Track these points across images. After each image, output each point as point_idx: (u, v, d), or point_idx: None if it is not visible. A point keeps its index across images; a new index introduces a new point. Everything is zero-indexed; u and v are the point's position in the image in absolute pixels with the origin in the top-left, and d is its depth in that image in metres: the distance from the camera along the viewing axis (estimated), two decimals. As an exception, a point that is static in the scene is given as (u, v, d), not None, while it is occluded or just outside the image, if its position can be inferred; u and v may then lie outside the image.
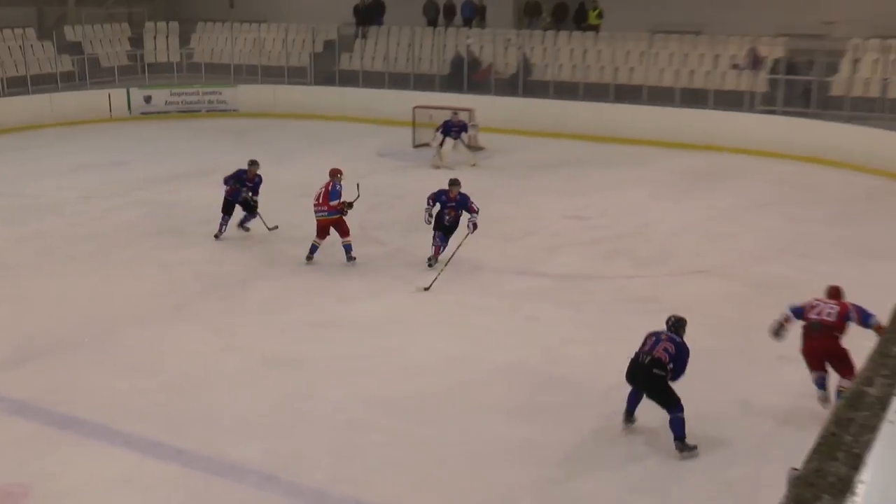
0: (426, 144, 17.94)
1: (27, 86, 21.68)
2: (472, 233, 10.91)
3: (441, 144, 16.91)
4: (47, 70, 22.45)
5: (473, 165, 16.69)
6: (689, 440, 6.78)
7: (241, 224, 12.70)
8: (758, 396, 7.75)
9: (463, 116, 17.51)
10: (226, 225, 12.42)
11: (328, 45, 23.70)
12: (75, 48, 23.66)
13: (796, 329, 7.58)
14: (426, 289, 10.40)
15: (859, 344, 7.12)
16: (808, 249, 11.58)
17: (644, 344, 7.00)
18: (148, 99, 22.44)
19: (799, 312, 7.41)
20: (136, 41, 25.09)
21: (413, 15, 23.56)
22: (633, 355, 6.98)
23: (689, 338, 7.28)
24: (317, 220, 11.36)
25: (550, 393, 7.85)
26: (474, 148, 17.68)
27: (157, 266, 11.35)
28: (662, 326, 7.22)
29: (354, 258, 11.34)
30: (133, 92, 22.41)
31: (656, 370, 6.77)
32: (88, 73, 22.93)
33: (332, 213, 11.17)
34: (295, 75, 23.33)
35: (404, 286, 10.66)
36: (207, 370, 8.33)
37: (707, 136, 18.29)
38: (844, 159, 16.50)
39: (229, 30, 24.61)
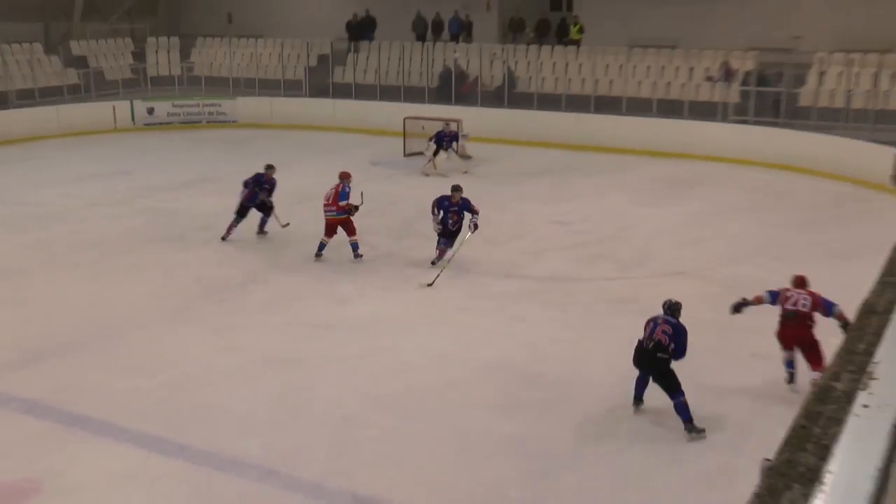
0: (419, 153, 17.99)
1: (35, 98, 21.58)
2: (473, 232, 11.09)
3: (435, 154, 16.99)
4: (54, 83, 22.36)
5: (465, 172, 16.77)
6: (671, 433, 6.81)
7: (260, 229, 12.72)
8: (732, 392, 7.78)
9: (453, 127, 17.57)
10: (235, 228, 12.37)
11: (322, 59, 23.68)
12: (81, 62, 23.58)
13: (764, 321, 7.64)
14: (429, 285, 10.51)
15: (826, 341, 7.19)
16: (779, 252, 11.63)
17: (645, 330, 7.15)
18: (151, 111, 22.35)
19: (775, 298, 7.65)
20: (139, 55, 25.01)
21: (403, 30, 23.57)
22: (637, 342, 7.14)
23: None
24: (326, 220, 11.49)
25: (536, 389, 7.87)
26: (464, 157, 17.73)
27: (159, 270, 11.30)
28: (642, 326, 7.27)
29: (361, 255, 11.51)
30: (136, 104, 22.32)
31: (660, 354, 6.93)
32: (94, 86, 22.85)
33: (340, 213, 11.34)
34: (291, 88, 23.29)
35: (397, 288, 10.66)
36: (208, 369, 8.30)
37: (683, 145, 18.37)
38: (812, 167, 16.59)
39: (228, 44, 24.54)
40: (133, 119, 22.12)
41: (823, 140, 16.87)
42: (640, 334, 7.25)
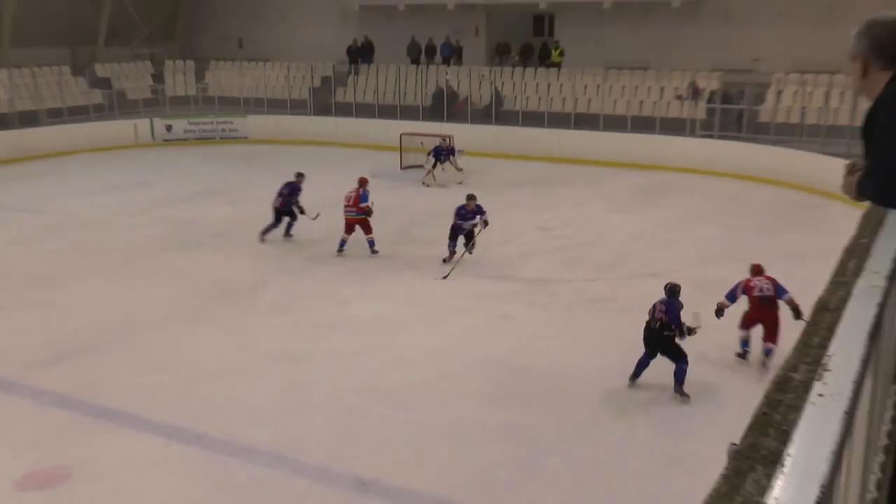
0: (415, 166, 18.05)
1: (63, 116, 21.49)
2: (483, 228, 11.39)
3: (434, 166, 17.09)
4: (81, 102, 22.29)
5: (460, 183, 16.88)
6: (647, 420, 6.82)
7: (287, 232, 12.77)
8: (701, 382, 7.79)
9: (449, 142, 17.66)
10: (272, 230, 12.57)
11: (325, 80, 23.65)
12: (105, 83, 23.51)
13: (728, 320, 7.67)
14: (444, 278, 10.81)
15: (789, 336, 7.22)
16: (741, 254, 11.64)
17: (649, 314, 7.50)
18: (169, 128, 22.28)
19: (733, 297, 8.00)
20: (158, 77, 24.94)
21: (398, 54, 23.58)
22: (645, 324, 7.50)
23: (639, 333, 7.33)
24: (346, 219, 11.79)
25: (522, 381, 7.86)
26: (456, 169, 17.78)
27: (177, 274, 11.25)
28: (621, 323, 7.33)
29: (377, 251, 11.78)
30: (156, 121, 22.25)
31: (665, 332, 7.33)
32: (117, 105, 22.76)
33: (359, 213, 11.70)
34: (296, 107, 23.25)
35: (395, 291, 10.65)
36: (222, 365, 8.27)
37: (655, 158, 18.41)
38: (771, 176, 16.66)
39: (239, 67, 24.50)
40: (153, 135, 22.04)
41: (781, 152, 16.96)
42: (618, 331, 7.29)
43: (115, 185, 16.95)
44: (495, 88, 21.30)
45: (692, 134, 18.74)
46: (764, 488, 1.01)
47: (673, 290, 7.57)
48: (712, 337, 8.36)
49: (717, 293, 8.54)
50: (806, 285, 8.08)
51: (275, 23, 25.99)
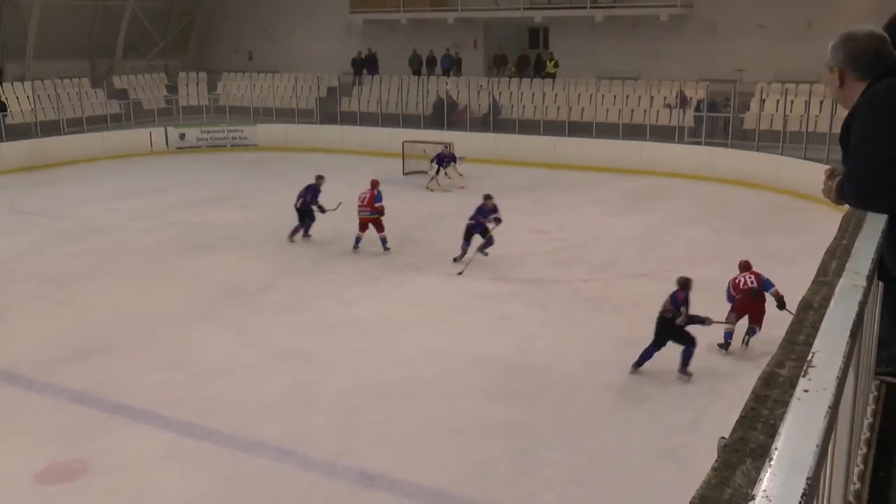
0: (417, 172, 18.06)
1: (83, 126, 21.51)
2: (497, 225, 11.43)
3: (437, 172, 17.14)
4: (99, 112, 22.31)
5: (462, 188, 16.92)
6: (641, 415, 6.80)
7: (305, 232, 12.84)
8: (691, 379, 7.78)
9: (451, 149, 17.69)
10: (298, 231, 12.70)
11: (331, 90, 23.65)
12: (122, 94, 23.54)
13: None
14: (459, 273, 10.92)
15: (776, 332, 7.20)
16: (728, 256, 11.60)
17: (662, 306, 7.77)
18: (182, 136, 22.29)
19: (731, 298, 8.27)
20: (172, 88, 24.98)
21: (401, 66, 23.60)
22: (658, 315, 7.72)
23: (633, 331, 7.32)
24: (360, 218, 11.99)
25: (521, 378, 7.84)
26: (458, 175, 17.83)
27: (190, 276, 11.24)
28: (615, 321, 7.34)
29: (389, 248, 11.96)
30: (170, 130, 22.26)
31: (676, 320, 7.62)
32: (133, 115, 22.78)
33: (373, 213, 11.89)
34: (303, 116, 23.26)
35: (397, 292, 10.63)
36: (232, 363, 8.25)
37: (645, 164, 18.39)
38: (756, 181, 16.64)
39: (249, 79, 24.51)
40: (167, 143, 22.05)
41: (765, 158, 16.95)
42: (612, 329, 7.30)
43: (131, 191, 16.95)
44: (493, 98, 21.30)
45: (681, 141, 18.74)
46: (753, 481, 1.00)
47: (683, 284, 7.82)
48: (701, 336, 8.34)
49: (706, 292, 8.54)
50: (790, 285, 8.09)
51: (283, 37, 26.01)
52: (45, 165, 19.43)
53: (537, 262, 11.81)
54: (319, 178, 13.00)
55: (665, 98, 19.70)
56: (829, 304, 1.33)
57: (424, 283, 10.86)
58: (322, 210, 12.66)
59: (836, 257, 1.87)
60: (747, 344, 8.38)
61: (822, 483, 0.99)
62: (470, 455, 6.44)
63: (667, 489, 5.87)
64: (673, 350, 8.36)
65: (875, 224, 1.84)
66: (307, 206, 12.63)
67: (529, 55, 23.07)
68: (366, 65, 23.93)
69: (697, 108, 18.85)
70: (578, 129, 19.88)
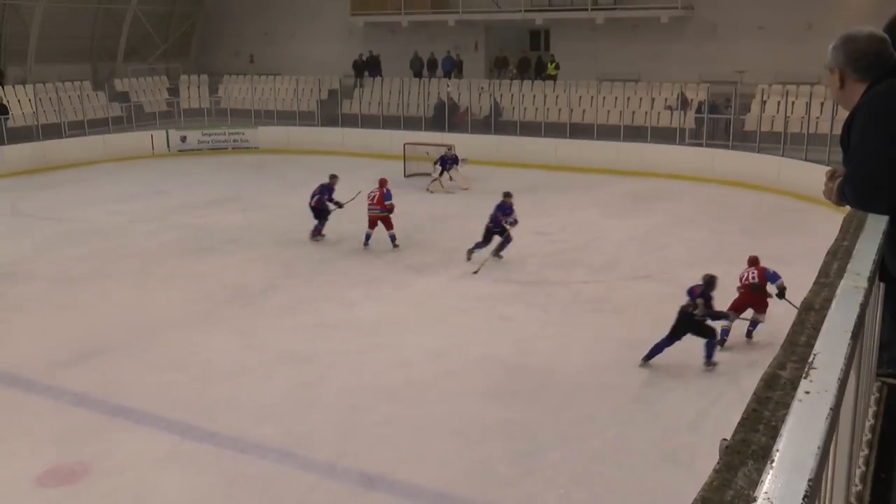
0: (418, 174, 18.07)
1: (84, 128, 21.53)
2: (513, 227, 11.58)
3: (441, 174, 17.18)
4: (100, 115, 22.32)
5: (466, 189, 16.99)
6: (640, 414, 6.80)
7: (319, 232, 12.94)
8: (692, 380, 7.78)
9: (454, 151, 17.70)
10: (321, 228, 12.85)
11: (332, 93, 23.67)
12: (123, 97, 23.57)
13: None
14: (475, 273, 11.02)
15: (779, 333, 7.18)
16: (729, 257, 11.61)
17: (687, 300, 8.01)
18: (183, 139, 22.31)
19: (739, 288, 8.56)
20: (173, 91, 25.01)
21: (402, 68, 23.63)
22: (680, 308, 7.95)
23: (633, 332, 7.31)
24: (370, 216, 12.27)
25: (521, 379, 7.83)
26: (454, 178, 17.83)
27: (191, 278, 11.25)
28: (615, 323, 7.33)
29: (398, 245, 12.24)
30: (171, 133, 22.28)
31: (696, 316, 7.85)
32: (134, 118, 22.81)
33: (383, 210, 12.18)
34: (305, 118, 23.27)
35: (398, 293, 10.63)
36: (233, 365, 8.25)
37: (646, 165, 18.39)
38: (756, 182, 16.64)
39: (250, 81, 24.53)
40: (168, 146, 22.07)
41: (766, 159, 16.95)
42: (612, 330, 7.29)
43: (132, 194, 16.96)
44: (494, 100, 21.31)
45: (682, 142, 18.73)
46: (755, 482, 1.00)
47: (703, 278, 8.09)
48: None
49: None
50: (791, 286, 8.09)
51: (284, 39, 26.05)
52: (47, 168, 19.46)
53: (538, 264, 11.80)
54: (333, 177, 13.19)
55: (666, 100, 19.69)
56: (831, 306, 1.33)
57: (425, 284, 10.86)
58: (340, 205, 12.81)
59: (838, 259, 1.87)
60: (750, 336, 8.59)
61: (823, 485, 0.99)
62: (471, 456, 6.43)
63: (668, 490, 5.86)
64: (674, 349, 8.35)
65: (876, 225, 1.84)
66: (322, 205, 12.78)
67: (530, 57, 23.08)
68: (367, 67, 23.95)
69: (698, 110, 18.85)
70: (579, 130, 19.88)
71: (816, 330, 1.31)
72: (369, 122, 22.42)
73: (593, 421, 7.01)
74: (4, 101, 20.66)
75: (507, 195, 11.78)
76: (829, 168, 2.22)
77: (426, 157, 18.09)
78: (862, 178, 1.97)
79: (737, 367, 8.00)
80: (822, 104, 17.20)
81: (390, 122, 21.99)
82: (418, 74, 23.52)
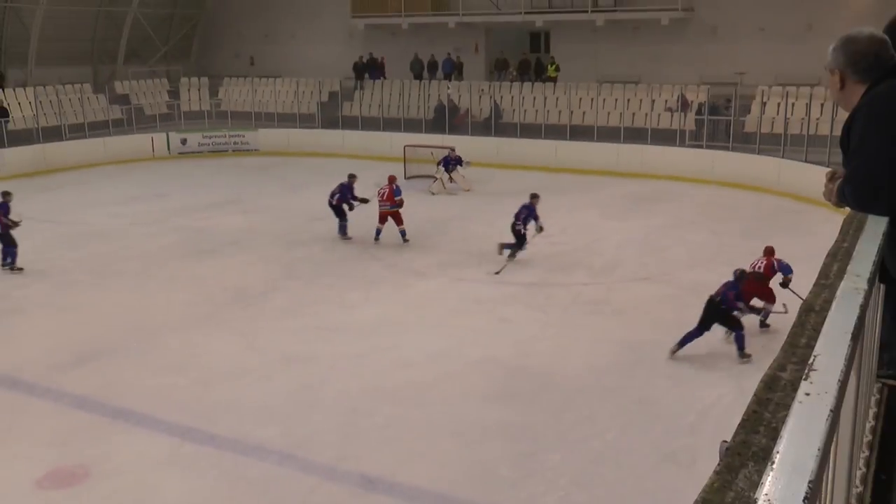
0: (422, 176, 18.06)
1: (84, 131, 21.54)
2: (539, 232, 11.66)
3: (444, 175, 17.20)
4: (101, 118, 22.31)
5: (468, 190, 17.03)
6: (640, 415, 6.79)
7: (343, 231, 13.08)
8: (692, 382, 7.77)
9: (457, 153, 17.73)
10: (345, 226, 13.01)
11: (332, 95, 23.69)
12: (124, 100, 23.57)
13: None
14: (496, 273, 11.09)
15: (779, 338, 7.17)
16: (729, 258, 11.58)
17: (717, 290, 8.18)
18: (184, 141, 22.32)
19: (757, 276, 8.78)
20: (174, 93, 25.02)
21: (402, 70, 23.65)
22: (708, 298, 8.13)
23: (633, 334, 7.31)
24: (380, 212, 12.58)
25: (522, 380, 7.83)
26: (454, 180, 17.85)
27: (192, 281, 11.25)
28: (615, 324, 7.34)
29: (408, 240, 12.58)
30: (171, 135, 22.29)
31: (723, 305, 8.06)
32: (135, 120, 22.81)
33: (392, 206, 12.53)
34: (305, 120, 23.29)
35: (398, 295, 10.63)
36: (234, 367, 8.25)
37: (646, 167, 18.40)
38: (756, 184, 16.64)
39: (250, 84, 24.55)
40: (169, 149, 22.09)
41: (766, 161, 16.96)
42: (612, 332, 7.29)
43: (133, 197, 16.96)
44: (494, 102, 21.32)
45: (682, 144, 18.73)
46: (755, 484, 1.00)
47: (741, 276, 8.25)
48: (704, 338, 8.34)
49: (705, 296, 8.52)
50: (792, 286, 8.08)
51: (284, 41, 26.08)
52: (47, 171, 19.46)
53: (538, 266, 11.79)
54: (352, 176, 13.38)
55: (666, 101, 19.70)
56: (831, 307, 1.32)
57: (426, 286, 10.86)
58: (365, 200, 12.98)
59: (838, 260, 1.87)
60: (764, 326, 8.78)
61: (824, 486, 0.99)
62: (471, 457, 6.42)
63: (668, 492, 5.85)
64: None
65: (876, 226, 1.83)
66: (344, 201, 12.93)
67: (530, 59, 23.11)
68: (367, 69, 23.97)
69: (698, 112, 18.86)
70: (579, 132, 19.88)
71: (816, 331, 1.31)
72: (369, 124, 22.44)
73: (594, 422, 7.01)
74: (5, 104, 20.68)
75: (535, 196, 11.87)
76: (829, 169, 2.22)
77: (430, 158, 18.09)
78: (862, 179, 1.97)
79: (737, 368, 7.99)
80: (822, 105, 17.21)
81: (391, 125, 22.00)
82: (419, 76, 23.54)
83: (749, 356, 8.02)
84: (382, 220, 12.69)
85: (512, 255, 11.58)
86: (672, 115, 19.30)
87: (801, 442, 0.88)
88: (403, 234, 12.68)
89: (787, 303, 8.27)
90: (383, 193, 12.70)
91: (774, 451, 0.87)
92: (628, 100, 19.97)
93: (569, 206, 15.91)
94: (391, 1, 23.46)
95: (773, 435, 1.06)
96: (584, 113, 20.38)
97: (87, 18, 23.94)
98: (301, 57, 25.58)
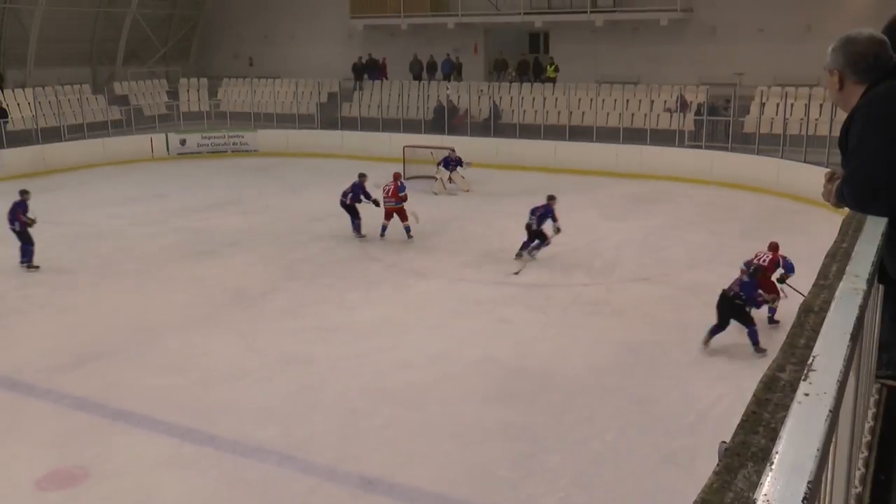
0: (423, 177, 18.07)
1: (84, 132, 21.52)
2: (557, 234, 11.73)
3: (450, 178, 17.22)
4: (100, 119, 22.30)
5: (467, 191, 17.05)
6: (640, 416, 6.79)
7: (358, 231, 13.22)
8: (692, 382, 7.77)
9: (457, 153, 17.74)
10: (359, 224, 13.16)
11: (331, 96, 23.69)
12: (123, 100, 23.56)
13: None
14: (515, 273, 11.16)
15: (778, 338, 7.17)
16: (728, 259, 11.61)
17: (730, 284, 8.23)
18: (183, 142, 22.31)
19: (749, 264, 8.73)
20: (173, 94, 25.01)
21: (401, 71, 23.65)
22: (721, 292, 8.19)
23: (633, 335, 7.31)
24: (385, 208, 12.81)
25: (521, 381, 7.83)
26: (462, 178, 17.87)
27: (192, 281, 11.24)
28: (615, 325, 7.34)
29: (412, 236, 12.76)
30: (171, 136, 22.29)
31: (736, 301, 8.12)
32: (134, 121, 22.80)
33: (398, 202, 12.75)
34: (304, 121, 23.28)
35: (398, 296, 10.62)
36: (233, 368, 8.25)
37: (645, 167, 18.41)
38: (756, 184, 16.65)
39: (249, 84, 24.56)
40: (168, 149, 22.08)
41: (765, 161, 16.96)
42: (612, 332, 7.29)
43: (132, 197, 16.96)
44: (493, 103, 21.33)
45: (681, 144, 18.73)
46: (754, 484, 1.00)
47: (755, 272, 8.35)
48: (701, 336, 8.34)
49: (705, 297, 8.54)
50: (790, 282, 8.08)
51: (283, 42, 26.08)
52: (47, 172, 19.44)
53: (537, 266, 11.79)
54: (363, 175, 13.52)
55: (665, 102, 19.70)
56: (830, 308, 1.33)
57: (425, 287, 10.86)
58: (377, 203, 13.10)
59: (837, 261, 1.87)
60: (773, 320, 8.81)
61: (823, 486, 0.99)
62: (471, 458, 6.42)
63: (668, 492, 5.85)
64: (674, 351, 8.35)
65: (875, 227, 1.84)
66: (357, 201, 13.05)
67: (530, 60, 23.11)
68: (366, 70, 23.98)
69: (697, 112, 18.86)
70: (579, 133, 19.89)
71: (815, 332, 1.31)
72: (369, 124, 22.43)
73: (593, 423, 7.01)
74: (4, 105, 20.67)
75: (552, 198, 11.93)
76: (828, 170, 2.23)
77: (429, 158, 18.09)
78: (860, 180, 1.97)
79: (736, 369, 7.99)
80: (821, 106, 17.22)
81: (390, 125, 21.99)
82: (418, 77, 23.54)
83: (764, 350, 8.05)
84: (388, 216, 12.94)
85: (532, 253, 11.64)
86: (671, 116, 19.30)
87: (800, 442, 0.88)
88: (408, 230, 12.92)
89: (786, 296, 8.38)
90: (388, 190, 12.95)
91: (773, 451, 0.87)
92: (627, 100, 19.97)
93: (568, 206, 15.83)
94: (390, 1, 23.46)
95: (773, 435, 1.07)
96: (583, 113, 20.38)
97: (86, 19, 23.94)
98: (300, 58, 25.58)
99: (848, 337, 1.17)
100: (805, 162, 15.84)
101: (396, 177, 13.29)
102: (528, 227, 11.74)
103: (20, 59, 22.68)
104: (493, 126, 20.96)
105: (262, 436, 6.76)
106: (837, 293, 1.38)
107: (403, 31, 23.84)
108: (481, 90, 22.08)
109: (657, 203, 15.91)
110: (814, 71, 16.77)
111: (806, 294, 1.73)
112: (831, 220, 3.87)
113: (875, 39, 2.09)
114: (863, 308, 1.33)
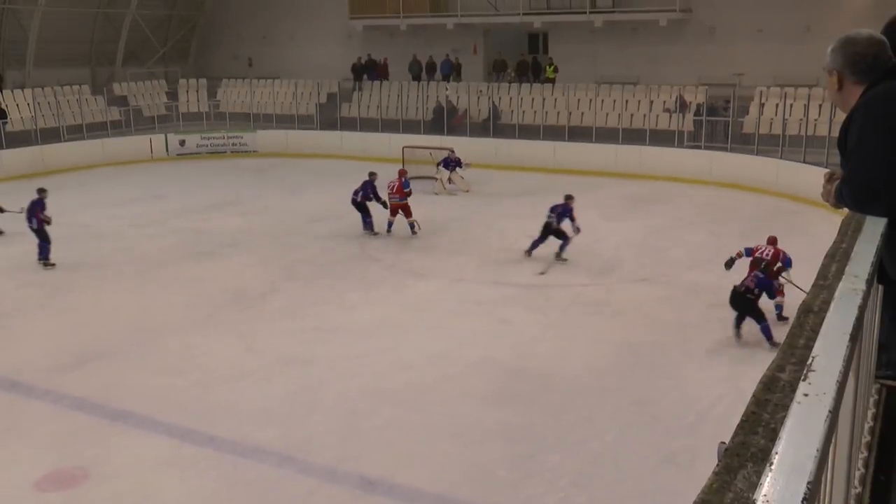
0: (423, 177, 18.04)
1: (83, 133, 21.53)
2: (577, 234, 11.77)
3: (445, 175, 17.21)
4: (99, 119, 22.31)
5: (467, 191, 17.06)
6: (640, 416, 6.79)
7: (369, 228, 13.34)
8: (692, 383, 7.77)
9: (457, 154, 17.74)
10: (370, 222, 13.34)
11: (331, 96, 23.70)
12: (122, 101, 23.56)
13: (716, 322, 7.63)
14: (541, 273, 11.21)
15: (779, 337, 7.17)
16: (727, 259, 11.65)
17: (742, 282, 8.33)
18: (182, 142, 22.32)
19: (749, 252, 8.97)
20: (172, 95, 25.02)
21: (401, 72, 23.66)
22: (733, 287, 8.29)
23: (633, 335, 7.32)
24: (391, 205, 13.00)
25: (521, 382, 7.83)
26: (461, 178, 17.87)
27: (191, 282, 11.24)
28: (615, 325, 7.34)
29: (416, 232, 13.01)
30: (170, 137, 22.29)
31: (748, 295, 8.22)
32: (133, 122, 22.81)
33: (402, 199, 12.95)
34: (304, 122, 23.29)
35: (397, 296, 10.62)
36: (233, 368, 8.24)
37: (644, 168, 18.41)
38: (755, 185, 16.65)
39: (249, 85, 24.57)
40: (167, 150, 22.08)
41: (764, 162, 16.97)
42: (612, 333, 7.29)
43: (131, 198, 16.95)
44: (493, 103, 21.33)
45: (680, 145, 18.74)
46: (754, 485, 1.00)
47: (766, 268, 8.51)
48: (705, 336, 8.35)
49: (704, 297, 8.55)
50: (790, 286, 8.08)
51: (283, 42, 26.07)
52: (46, 172, 19.40)
53: (537, 267, 11.79)
54: (372, 174, 13.67)
55: (664, 102, 19.71)
56: (829, 308, 1.33)
57: (425, 287, 10.86)
58: (385, 205, 13.23)
59: (836, 261, 1.87)
60: (782, 317, 8.78)
61: (822, 487, 0.99)
62: (470, 459, 6.42)
63: (668, 493, 5.85)
64: (674, 352, 8.35)
65: (874, 227, 1.84)
66: (368, 199, 13.18)
67: (529, 60, 23.12)
68: (366, 70, 23.98)
69: (697, 113, 18.87)
70: (578, 133, 19.89)
71: (815, 332, 1.32)
72: (368, 125, 22.43)
73: (593, 423, 7.01)
74: (3, 106, 20.67)
75: (570, 198, 11.97)
76: (827, 170, 2.23)
77: (429, 159, 18.09)
78: (860, 180, 1.98)
79: (736, 369, 7.99)
80: (820, 106, 17.23)
81: (389, 126, 22.00)
82: (417, 78, 23.55)
83: (778, 344, 8.03)
84: (393, 212, 13.14)
85: (560, 257, 11.69)
86: (670, 116, 19.31)
87: (799, 443, 0.88)
88: (412, 226, 13.13)
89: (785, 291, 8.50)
90: (393, 186, 13.19)
91: (773, 451, 0.87)
92: (626, 101, 19.98)
93: (567, 207, 15.89)
94: (389, 2, 23.46)
95: (772, 436, 1.07)
96: (582, 114, 20.39)
97: (86, 20, 23.94)
98: (299, 58, 25.58)
99: (847, 337, 1.18)
100: (804, 162, 15.85)
101: (401, 174, 13.49)
102: (549, 224, 11.67)
103: (19, 60, 22.68)
104: (493, 126, 20.97)
105: (261, 436, 6.76)
106: (837, 293, 1.38)
107: (403, 32, 23.84)
108: (480, 91, 22.07)
109: (657, 203, 15.91)
110: (813, 71, 16.80)
111: (805, 288, 1.73)
112: (830, 221, 3.88)
113: (874, 40, 2.09)
114: (862, 308, 1.34)
